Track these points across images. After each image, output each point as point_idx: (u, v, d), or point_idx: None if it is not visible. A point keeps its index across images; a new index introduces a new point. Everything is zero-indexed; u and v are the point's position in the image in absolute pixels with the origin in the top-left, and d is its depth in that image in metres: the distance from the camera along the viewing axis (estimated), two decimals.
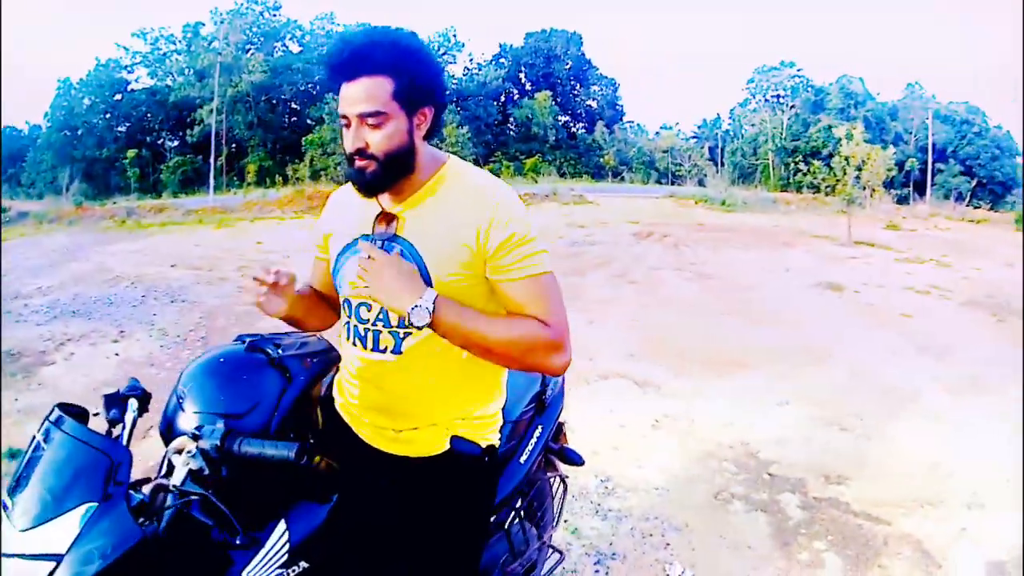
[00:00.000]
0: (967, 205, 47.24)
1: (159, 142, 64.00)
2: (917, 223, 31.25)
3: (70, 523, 1.70)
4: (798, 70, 69.75)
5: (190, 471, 1.76)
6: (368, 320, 2.21)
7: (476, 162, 52.70)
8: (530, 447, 2.86)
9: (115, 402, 1.97)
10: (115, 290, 12.03)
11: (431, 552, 2.29)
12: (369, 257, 1.99)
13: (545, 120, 67.81)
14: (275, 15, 63.90)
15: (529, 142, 67.13)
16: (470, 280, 2.11)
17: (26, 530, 1.71)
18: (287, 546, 1.94)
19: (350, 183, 2.27)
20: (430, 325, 1.96)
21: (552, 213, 27.10)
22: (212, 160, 48.86)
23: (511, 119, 70.33)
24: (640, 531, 4.61)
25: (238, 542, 1.89)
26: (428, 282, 2.09)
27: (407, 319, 1.95)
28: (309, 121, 59.11)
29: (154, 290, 12.06)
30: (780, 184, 58.33)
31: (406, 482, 2.23)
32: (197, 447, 1.77)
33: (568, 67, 76.79)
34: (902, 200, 44.88)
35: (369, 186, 2.12)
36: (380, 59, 2.00)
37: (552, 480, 3.23)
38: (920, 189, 54.94)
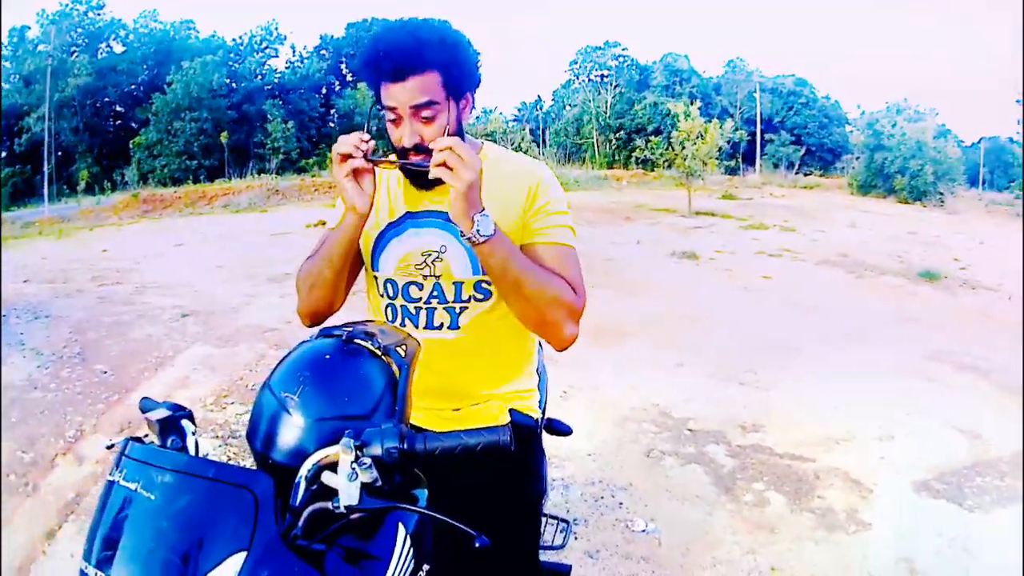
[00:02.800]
0: (797, 172, 49.21)
1: None
2: (751, 192, 32.47)
3: None
4: (623, 50, 70.87)
5: (364, 485, 1.42)
6: (420, 299, 2.21)
7: (301, 154, 52.27)
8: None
9: (171, 427, 1.64)
10: None
11: (507, 523, 2.23)
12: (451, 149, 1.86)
13: (367, 110, 67.44)
14: (100, 15, 61.59)
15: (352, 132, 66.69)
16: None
17: None
18: (412, 552, 1.68)
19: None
20: (491, 238, 1.91)
21: None
22: (44, 169, 46.90)
23: (334, 110, 69.61)
24: (590, 495, 4.73)
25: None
26: None
27: (473, 225, 1.89)
28: (134, 124, 57.24)
29: (14, 308, 11.54)
30: (606, 161, 59.23)
31: (474, 456, 2.18)
32: (368, 456, 1.43)
33: None
34: (732, 171, 46.29)
35: (428, 179, 2.04)
36: (429, 57, 2.00)
37: None
38: (748, 159, 56.66)
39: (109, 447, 1.59)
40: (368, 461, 1.41)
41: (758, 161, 55.44)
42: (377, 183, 2.15)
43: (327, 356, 1.67)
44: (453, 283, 2.17)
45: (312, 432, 1.54)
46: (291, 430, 1.55)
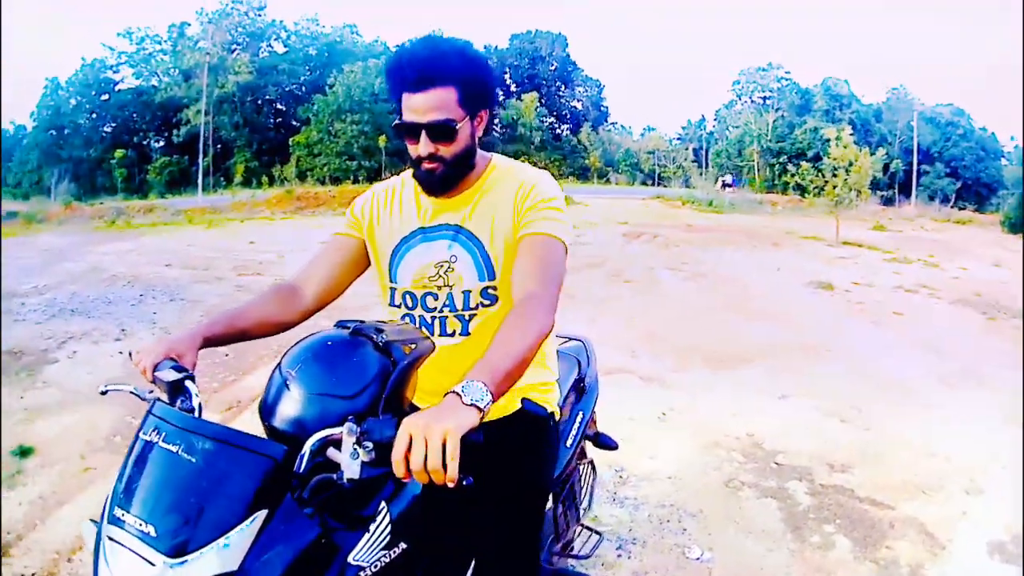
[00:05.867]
0: (952, 207, 47.59)
1: (145, 143, 63.72)
2: (903, 224, 31.60)
3: (240, 538, 1.56)
4: (785, 72, 69.86)
5: (363, 463, 1.59)
6: (435, 308, 2.35)
7: None
8: (573, 432, 2.97)
9: (179, 389, 1.95)
10: (112, 289, 12.06)
11: (507, 505, 2.43)
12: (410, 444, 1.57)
13: (531, 121, 67.89)
14: (260, 15, 63.70)
15: (515, 143, 67.11)
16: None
17: (190, 559, 1.53)
18: (389, 527, 1.90)
19: (397, 180, 2.52)
20: (491, 393, 1.68)
21: None
22: (200, 160, 48.73)
23: (497, 120, 70.33)
24: (657, 517, 4.72)
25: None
26: (489, 264, 2.29)
27: (481, 415, 1.63)
28: (295, 122, 58.94)
29: (152, 289, 12.10)
30: (765, 185, 58.41)
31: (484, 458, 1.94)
32: (369, 440, 1.58)
33: (553, 68, 76.88)
34: (888, 202, 45.14)
35: (438, 187, 2.28)
36: (448, 71, 2.14)
37: (584, 466, 3.35)
38: (905, 190, 55.15)
39: (103, 392, 2.05)
40: (370, 444, 1.58)
41: (914, 193, 53.89)
42: (388, 202, 2.49)
43: (329, 342, 1.89)
44: (463, 292, 2.31)
45: (304, 404, 1.78)
46: (289, 402, 1.79)
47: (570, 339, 3.54)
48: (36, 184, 57.21)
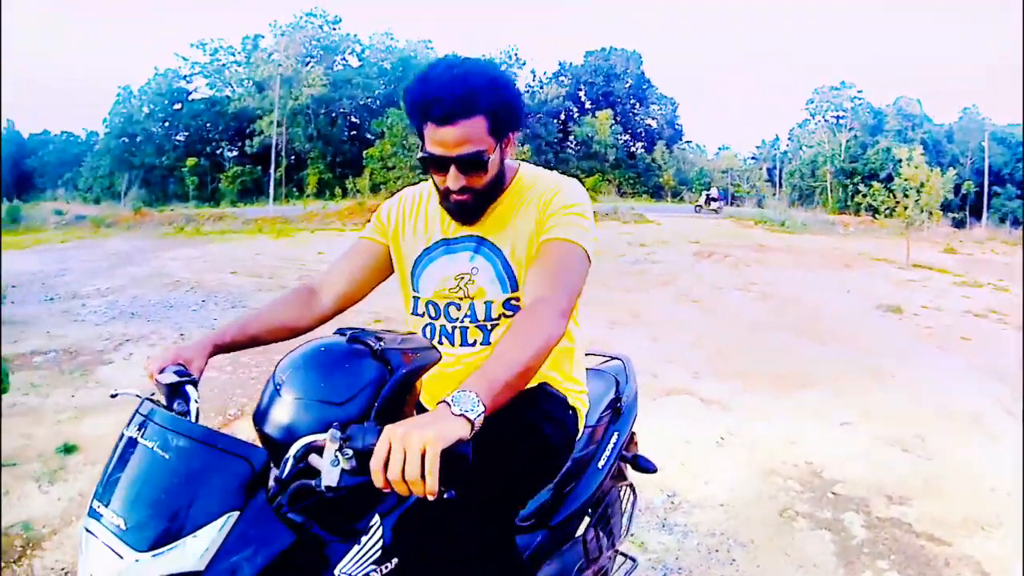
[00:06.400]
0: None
1: (218, 152, 64.75)
2: (973, 247, 31.13)
3: (207, 537, 1.55)
4: (858, 91, 69.26)
5: (344, 470, 1.56)
6: (458, 318, 2.32)
7: None
8: (607, 453, 2.86)
9: (178, 392, 1.96)
10: (175, 294, 12.17)
11: (497, 467, 2.12)
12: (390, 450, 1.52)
13: (605, 139, 67.86)
14: (335, 29, 64.38)
15: (589, 160, 67.24)
16: None
17: (156, 554, 1.52)
18: (381, 542, 1.87)
19: (425, 188, 2.49)
20: (484, 403, 1.61)
21: (612, 231, 27.22)
22: (272, 171, 49.34)
23: (571, 137, 70.47)
24: (706, 546, 4.58)
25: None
26: (511, 276, 2.27)
27: (462, 413, 1.57)
28: (368, 135, 59.37)
29: (214, 295, 12.18)
30: (838, 206, 57.81)
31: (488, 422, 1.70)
32: (350, 447, 1.55)
33: (628, 86, 76.87)
34: (959, 224, 44.46)
35: (471, 218, 2.28)
36: (477, 102, 2.04)
37: (622, 489, 3.23)
38: (976, 212, 54.25)
39: (113, 396, 1.98)
40: (350, 452, 1.55)
41: (984, 215, 52.96)
42: (414, 210, 2.46)
43: (323, 349, 1.89)
44: (485, 303, 2.29)
45: (294, 410, 1.78)
46: (278, 407, 1.80)
47: (610, 358, 3.40)
48: (107, 189, 58.56)
